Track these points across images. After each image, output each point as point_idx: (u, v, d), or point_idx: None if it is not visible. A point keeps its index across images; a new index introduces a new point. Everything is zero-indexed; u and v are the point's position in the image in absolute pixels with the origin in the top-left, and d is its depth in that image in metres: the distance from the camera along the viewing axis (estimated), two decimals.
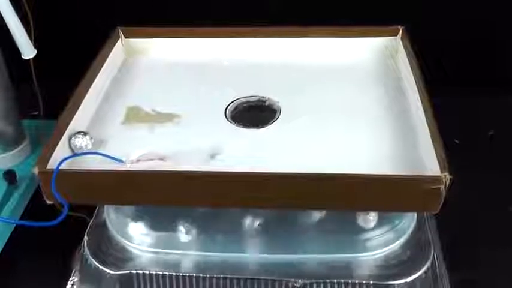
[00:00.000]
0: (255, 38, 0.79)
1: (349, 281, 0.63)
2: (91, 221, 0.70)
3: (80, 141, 0.63)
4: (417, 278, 0.63)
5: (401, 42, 0.76)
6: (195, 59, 0.79)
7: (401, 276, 0.63)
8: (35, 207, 0.82)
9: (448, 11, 0.99)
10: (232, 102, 0.71)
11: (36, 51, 0.82)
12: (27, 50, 0.82)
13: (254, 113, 0.71)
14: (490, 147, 0.94)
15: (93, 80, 0.71)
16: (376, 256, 0.65)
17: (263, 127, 0.67)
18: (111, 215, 0.69)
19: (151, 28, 0.80)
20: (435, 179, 0.55)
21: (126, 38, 0.80)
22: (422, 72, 0.68)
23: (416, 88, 0.67)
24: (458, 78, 1.01)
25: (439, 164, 0.56)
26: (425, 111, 0.63)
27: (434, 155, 0.58)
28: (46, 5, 0.96)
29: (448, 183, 0.55)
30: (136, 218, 0.67)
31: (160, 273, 0.65)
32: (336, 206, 0.59)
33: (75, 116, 0.66)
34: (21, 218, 0.81)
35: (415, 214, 0.67)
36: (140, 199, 0.61)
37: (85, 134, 0.64)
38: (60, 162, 0.59)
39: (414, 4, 0.97)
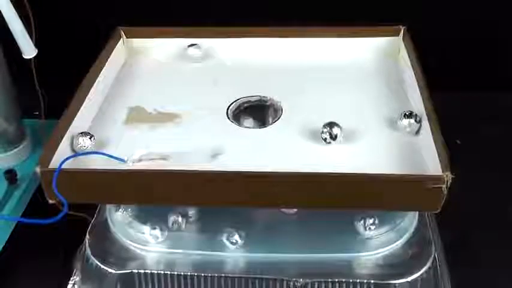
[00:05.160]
0: (255, 38, 0.79)
1: (351, 280, 0.63)
2: (92, 221, 0.70)
3: (82, 141, 0.63)
4: (418, 277, 0.63)
5: (402, 42, 0.76)
6: (196, 59, 0.79)
7: (402, 275, 0.63)
8: (36, 206, 0.82)
9: (449, 11, 0.99)
10: (233, 102, 0.71)
11: (37, 51, 0.83)
12: (28, 50, 0.82)
13: (255, 113, 0.71)
14: (491, 147, 0.94)
15: (95, 80, 0.71)
16: (378, 255, 0.65)
17: (264, 127, 0.67)
18: (112, 214, 0.69)
19: (152, 28, 0.80)
20: (436, 178, 0.55)
21: (127, 38, 0.80)
22: (424, 71, 0.68)
23: (417, 88, 0.67)
24: (460, 77, 1.01)
25: (441, 163, 0.56)
26: (426, 110, 0.63)
27: (436, 154, 0.58)
28: (47, 5, 0.96)
29: (449, 182, 0.55)
30: (137, 218, 0.67)
31: (162, 272, 0.65)
32: (338, 206, 0.59)
33: (76, 116, 0.66)
34: (22, 218, 0.81)
35: (417, 213, 0.67)
36: (142, 199, 0.61)
37: (87, 133, 0.64)
38: (62, 162, 0.60)
39: (415, 4, 0.97)
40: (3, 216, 0.79)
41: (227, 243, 0.65)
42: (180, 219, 0.66)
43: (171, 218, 0.66)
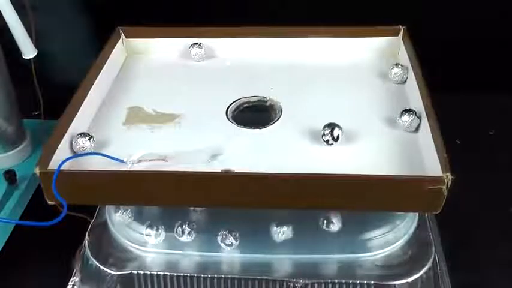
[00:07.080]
0: (255, 38, 0.79)
1: (351, 281, 0.63)
2: (92, 221, 0.70)
3: (81, 142, 0.63)
4: (418, 278, 0.63)
5: (402, 42, 0.76)
6: (195, 58, 0.79)
7: (402, 276, 0.63)
8: (35, 207, 0.82)
9: (449, 11, 0.99)
10: (233, 102, 0.71)
11: (36, 51, 0.83)
12: (28, 50, 0.82)
13: (255, 113, 0.71)
14: (491, 147, 0.94)
15: (94, 80, 0.71)
16: (378, 256, 0.65)
17: (264, 127, 0.67)
18: (112, 215, 0.69)
19: (152, 28, 0.80)
20: (437, 180, 0.55)
21: (126, 38, 0.80)
22: (424, 71, 0.68)
23: (417, 88, 0.67)
24: (459, 78, 1.01)
25: (441, 164, 0.56)
26: (426, 110, 0.63)
27: (436, 155, 0.58)
28: (46, 5, 0.96)
29: (449, 183, 0.55)
30: (137, 218, 0.67)
31: (161, 273, 0.65)
32: (338, 207, 0.59)
33: (76, 117, 0.66)
34: (21, 218, 0.81)
35: (417, 214, 0.67)
36: (141, 199, 0.61)
37: (86, 134, 0.64)
38: (62, 163, 0.59)
39: (415, 4, 0.97)
40: (2, 219, 0.79)
41: (224, 244, 0.65)
42: (186, 227, 0.66)
43: (177, 226, 0.66)
